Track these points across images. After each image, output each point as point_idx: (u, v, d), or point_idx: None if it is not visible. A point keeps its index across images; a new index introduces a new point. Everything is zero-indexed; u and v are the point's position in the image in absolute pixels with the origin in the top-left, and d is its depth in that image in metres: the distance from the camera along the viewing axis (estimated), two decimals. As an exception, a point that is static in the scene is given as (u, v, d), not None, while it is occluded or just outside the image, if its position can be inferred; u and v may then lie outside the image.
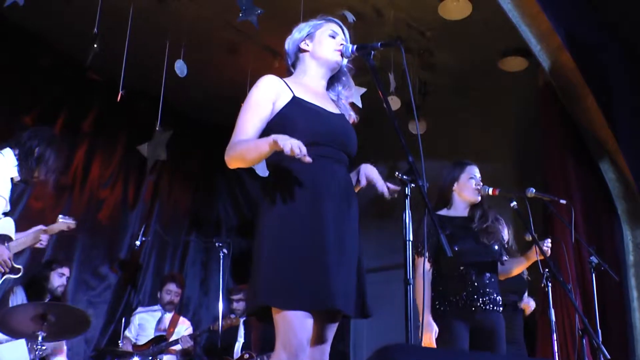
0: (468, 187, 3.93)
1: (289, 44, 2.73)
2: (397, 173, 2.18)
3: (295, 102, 2.51)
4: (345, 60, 2.70)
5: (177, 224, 7.65)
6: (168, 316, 6.18)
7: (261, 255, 2.36)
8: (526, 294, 4.98)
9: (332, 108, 2.62)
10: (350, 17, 5.22)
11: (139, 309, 6.39)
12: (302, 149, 2.20)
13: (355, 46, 2.61)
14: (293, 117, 2.48)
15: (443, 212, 3.97)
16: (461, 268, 3.75)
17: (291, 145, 2.19)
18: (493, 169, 5.83)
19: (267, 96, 2.51)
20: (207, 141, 7.69)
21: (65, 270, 5.42)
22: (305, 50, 2.68)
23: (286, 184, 2.41)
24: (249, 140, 2.43)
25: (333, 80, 2.73)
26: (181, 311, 6.65)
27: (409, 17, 6.11)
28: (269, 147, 2.28)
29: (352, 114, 2.71)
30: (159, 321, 6.12)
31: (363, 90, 5.43)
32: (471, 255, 3.78)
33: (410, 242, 2.10)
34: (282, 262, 2.30)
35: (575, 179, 5.99)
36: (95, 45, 5.56)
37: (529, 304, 4.94)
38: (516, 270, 4.21)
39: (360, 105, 5.33)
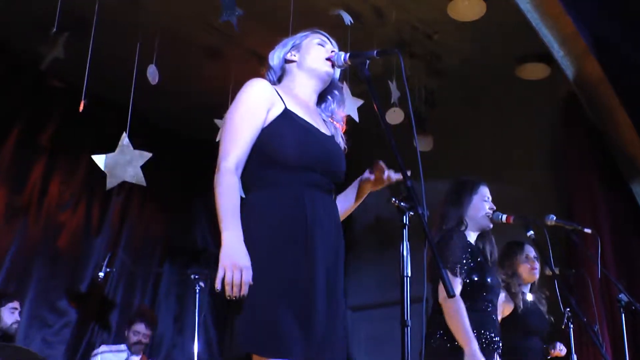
0: (481, 212, 3.78)
1: (273, 59, 2.71)
2: (393, 199, 2.17)
3: (287, 116, 2.48)
4: (338, 72, 2.71)
5: (148, 252, 7.63)
6: (135, 359, 6.15)
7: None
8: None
9: (323, 128, 2.61)
10: (347, 19, 5.23)
11: (102, 347, 6.28)
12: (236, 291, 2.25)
13: (348, 54, 2.60)
14: (283, 133, 2.45)
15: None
16: (490, 305, 3.65)
17: (231, 281, 2.27)
18: (508, 191, 5.83)
19: (262, 103, 2.48)
20: (184, 157, 7.69)
21: (17, 304, 5.39)
22: (292, 61, 2.68)
23: (272, 212, 2.39)
24: (232, 198, 2.38)
25: (325, 95, 2.72)
26: (152, 354, 6.57)
27: (413, 17, 6.15)
28: (222, 233, 2.39)
29: (342, 141, 2.69)
30: None
31: (360, 102, 5.44)
32: (495, 291, 3.73)
33: (408, 278, 2.09)
34: (265, 304, 2.27)
35: (604, 204, 6.01)
36: (55, 47, 5.58)
37: (558, 350, 4.83)
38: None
39: (357, 118, 5.35)
